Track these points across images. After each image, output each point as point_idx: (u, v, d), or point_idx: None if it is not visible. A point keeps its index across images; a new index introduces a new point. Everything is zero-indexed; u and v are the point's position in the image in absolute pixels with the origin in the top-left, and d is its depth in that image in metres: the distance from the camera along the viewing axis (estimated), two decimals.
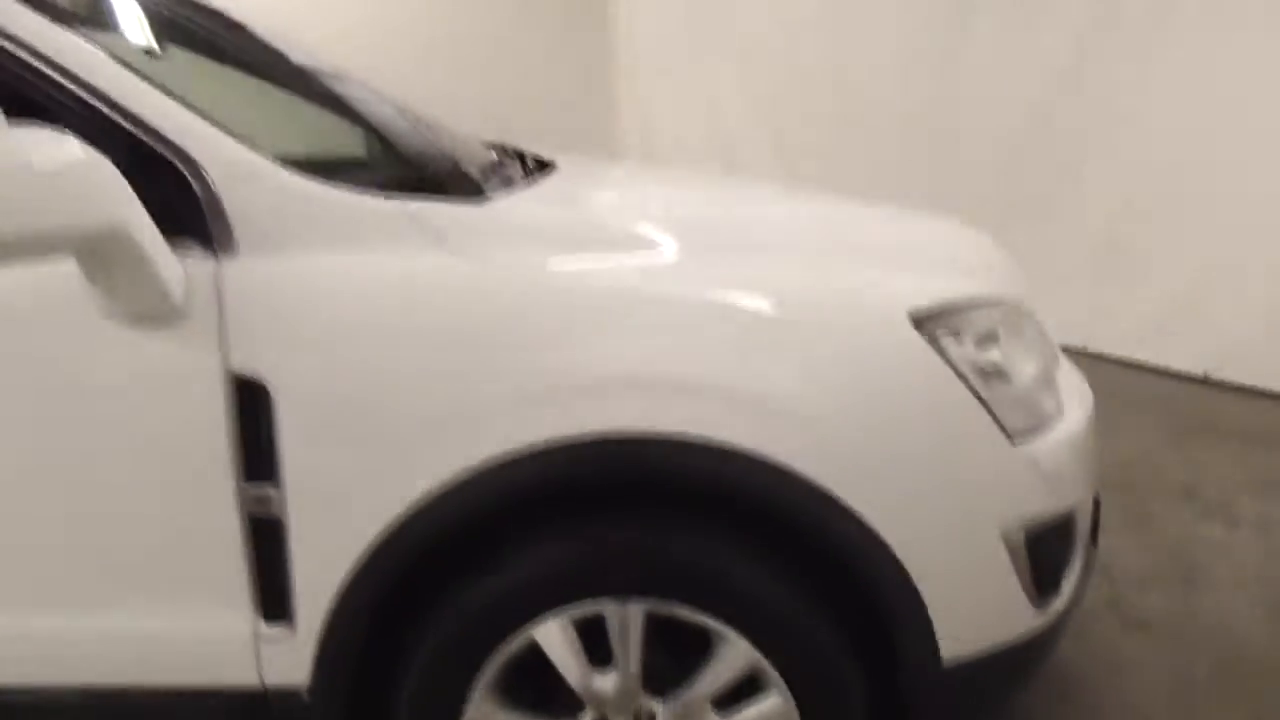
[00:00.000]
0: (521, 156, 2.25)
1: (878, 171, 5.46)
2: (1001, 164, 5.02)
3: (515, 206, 1.59)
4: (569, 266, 1.44)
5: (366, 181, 1.48)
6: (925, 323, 1.46)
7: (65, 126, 1.34)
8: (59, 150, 1.23)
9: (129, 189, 1.27)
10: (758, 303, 1.43)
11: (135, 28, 1.86)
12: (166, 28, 1.95)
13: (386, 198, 1.45)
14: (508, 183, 1.77)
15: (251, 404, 1.35)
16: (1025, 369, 1.57)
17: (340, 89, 1.95)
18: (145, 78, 1.42)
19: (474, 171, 1.76)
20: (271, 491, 1.37)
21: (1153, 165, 4.44)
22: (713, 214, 1.80)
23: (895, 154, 5.52)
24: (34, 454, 1.40)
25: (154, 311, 1.34)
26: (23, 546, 1.45)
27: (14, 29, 1.38)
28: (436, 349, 1.36)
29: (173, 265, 1.34)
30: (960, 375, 1.46)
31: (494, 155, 2.13)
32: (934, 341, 1.45)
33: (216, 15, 2.04)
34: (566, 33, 7.01)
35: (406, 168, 1.70)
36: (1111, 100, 4.55)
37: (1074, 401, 1.71)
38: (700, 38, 6.64)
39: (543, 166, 2.12)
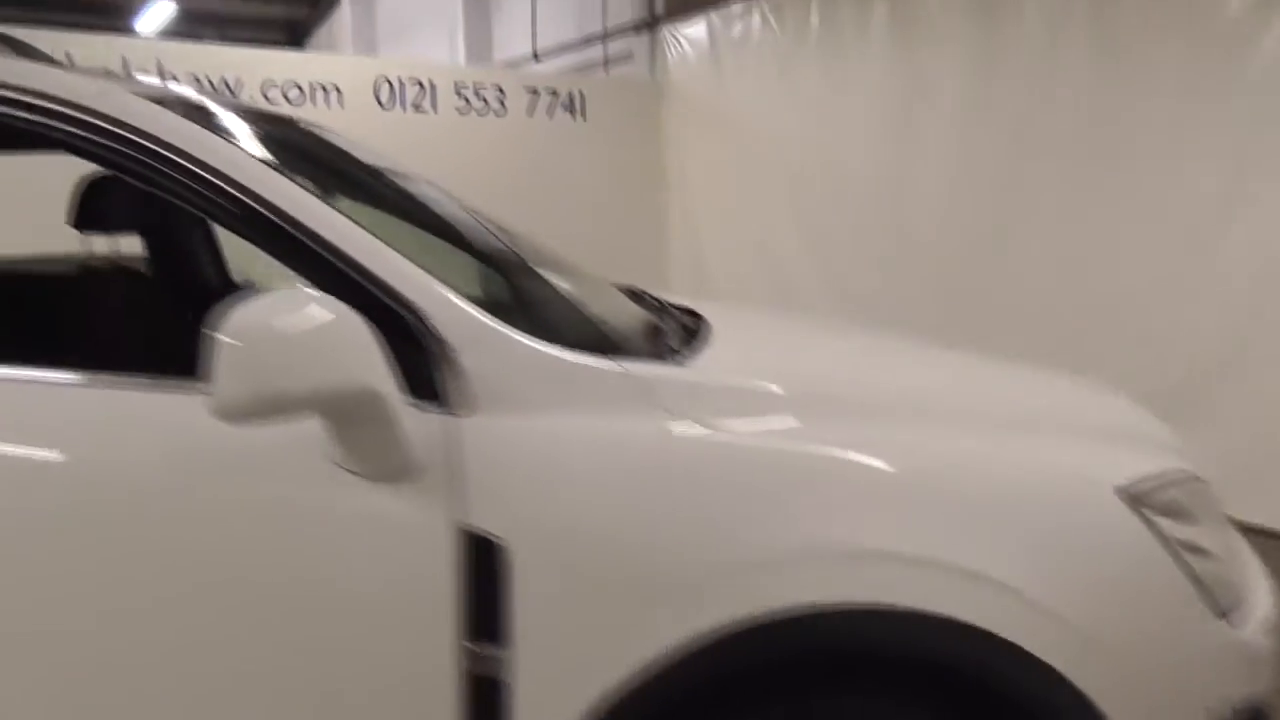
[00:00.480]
0: (660, 302, 2.30)
1: (929, 309, 5.54)
2: (1060, 314, 5.05)
3: (716, 368, 1.62)
4: (785, 433, 1.46)
5: (565, 339, 1.52)
6: (1132, 499, 1.48)
7: (308, 284, 1.40)
8: (316, 310, 1.27)
9: (379, 349, 1.31)
10: (975, 478, 1.45)
11: (341, 176, 1.92)
12: (344, 174, 2.02)
13: (610, 360, 1.49)
14: (687, 339, 1.81)
15: (484, 561, 1.36)
16: (1220, 544, 1.58)
17: (495, 237, 2.00)
18: (378, 235, 1.48)
19: (663, 330, 1.81)
20: (497, 651, 1.36)
21: (1223, 318, 4.48)
22: (896, 378, 1.82)
23: (947, 293, 5.59)
24: (254, 598, 1.40)
25: (391, 468, 1.36)
26: (236, 686, 1.43)
27: (260, 189, 1.44)
28: (669, 513, 1.37)
29: (411, 422, 1.37)
30: (1171, 552, 1.47)
31: (642, 304, 2.18)
32: (1143, 518, 1.47)
33: (356, 160, 2.11)
34: (622, 167, 7.23)
35: (585, 325, 1.73)
36: (1184, 251, 4.60)
37: (1257, 577, 1.71)
38: (750, 172, 6.82)
39: (691, 315, 2.16)
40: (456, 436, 1.39)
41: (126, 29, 12.04)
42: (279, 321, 1.23)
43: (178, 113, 1.51)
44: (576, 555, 1.36)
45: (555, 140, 6.98)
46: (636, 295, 2.35)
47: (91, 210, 2.41)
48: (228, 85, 5.93)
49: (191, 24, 12.77)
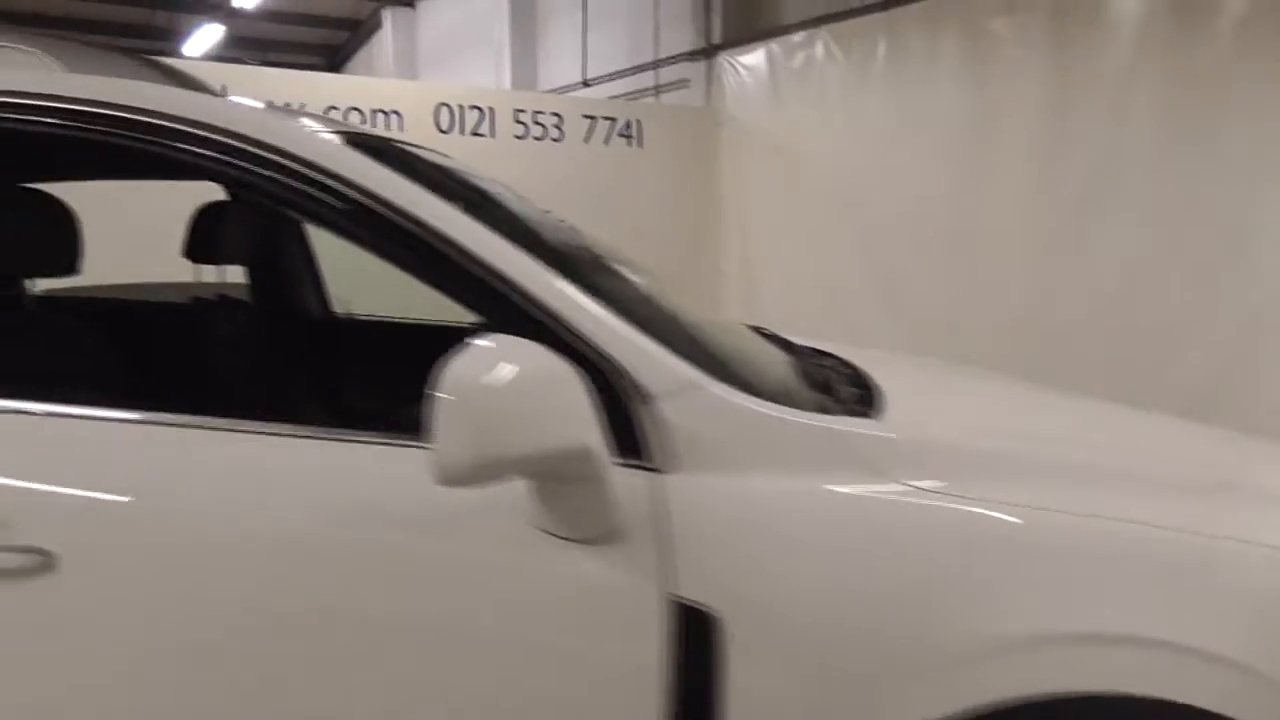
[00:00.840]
0: (794, 345, 2.19)
1: (1001, 344, 5.40)
2: (1143, 350, 4.90)
3: (915, 424, 1.51)
4: (1005, 499, 1.34)
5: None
6: None
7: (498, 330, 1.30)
8: (535, 364, 1.18)
9: (591, 404, 1.22)
10: (1222, 555, 1.32)
11: (498, 215, 1.82)
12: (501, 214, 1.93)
13: (811, 414, 1.39)
14: (860, 388, 1.71)
15: (696, 635, 1.25)
16: None
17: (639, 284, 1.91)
18: (573, 282, 1.38)
19: (832, 380, 1.70)
20: None
21: None
22: (1101, 439, 1.70)
23: (1021, 328, 5.45)
24: (448, 662, 1.30)
25: (597, 531, 1.26)
26: None
27: (455, 234, 1.36)
28: (895, 589, 1.26)
29: (618, 482, 1.27)
30: None
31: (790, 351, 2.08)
32: None
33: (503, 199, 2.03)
34: (678, 194, 7.16)
35: (763, 374, 1.63)
36: (1272, 283, 4.46)
37: None
38: (810, 202, 6.72)
39: (841, 362, 2.05)
40: (661, 496, 1.29)
41: (174, 52, 12.10)
42: (500, 377, 1.14)
43: (368, 154, 1.44)
44: (795, 632, 1.25)
45: (611, 166, 6.92)
46: (764, 336, 2.25)
47: (202, 240, 2.35)
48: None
49: (236, 48, 12.84)
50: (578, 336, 1.32)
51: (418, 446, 1.31)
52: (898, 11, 6.00)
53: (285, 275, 2.64)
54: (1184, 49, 4.73)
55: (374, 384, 2.18)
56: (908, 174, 6.05)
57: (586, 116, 6.89)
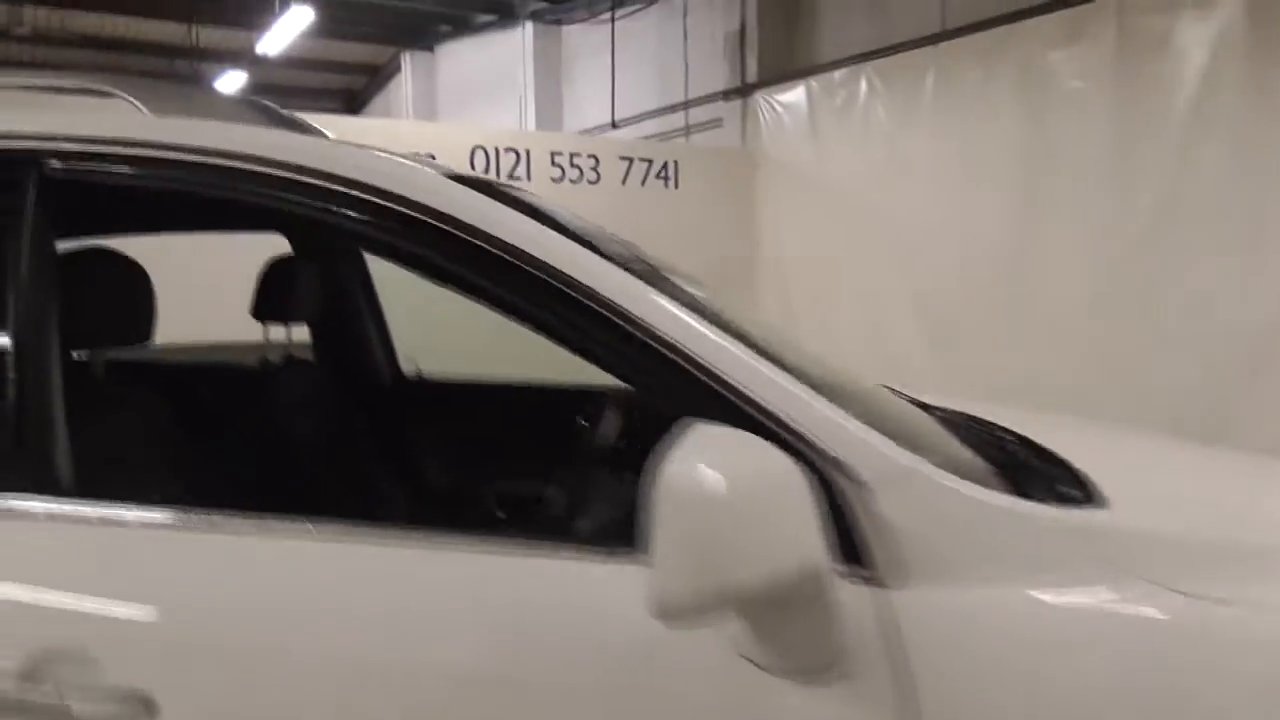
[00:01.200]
0: (927, 405, 1.96)
1: (1064, 390, 5.15)
2: (1219, 394, 4.66)
3: (1161, 516, 1.27)
4: None
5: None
6: None
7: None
8: (758, 463, 0.95)
9: (815, 510, 0.99)
10: None
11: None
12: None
13: (1047, 505, 1.16)
14: (1057, 467, 1.47)
15: None
16: None
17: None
18: (761, 353, 1.16)
19: (1035, 462, 1.47)
20: None
21: None
22: None
23: (1082, 372, 5.21)
24: None
25: (820, 662, 1.03)
26: None
27: (621, 300, 1.15)
28: None
29: (841, 601, 1.04)
30: None
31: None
32: None
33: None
34: (714, 235, 6.98)
35: (958, 454, 1.40)
36: None
37: None
38: (852, 244, 6.52)
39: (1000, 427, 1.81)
40: (890, 615, 1.05)
41: None
42: (722, 485, 0.91)
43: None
44: None
45: (648, 208, 6.74)
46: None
47: (270, 298, 2.14)
48: None
49: (257, 94, 12.79)
50: (775, 419, 1.09)
51: (577, 555, 1.10)
52: (947, 45, 5.82)
53: (355, 335, 2.42)
54: (1256, 77, 4.53)
55: (488, 468, 1.95)
56: (957, 214, 5.84)
57: (623, 158, 6.74)
